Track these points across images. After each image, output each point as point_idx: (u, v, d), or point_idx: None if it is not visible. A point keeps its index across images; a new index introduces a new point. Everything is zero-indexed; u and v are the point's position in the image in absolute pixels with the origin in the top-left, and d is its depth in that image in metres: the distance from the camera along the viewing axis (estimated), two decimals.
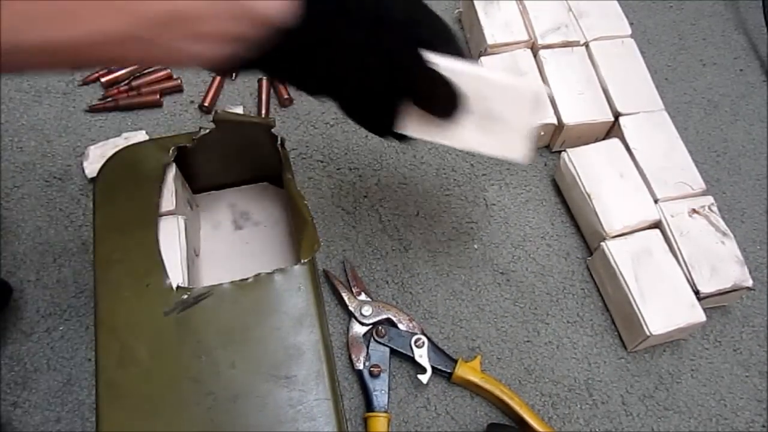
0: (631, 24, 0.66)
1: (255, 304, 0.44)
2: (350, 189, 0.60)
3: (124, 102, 0.63)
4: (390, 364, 0.51)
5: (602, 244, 0.54)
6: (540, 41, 0.63)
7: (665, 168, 0.57)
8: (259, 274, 0.46)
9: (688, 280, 0.52)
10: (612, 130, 0.61)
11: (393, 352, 0.52)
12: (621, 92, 0.61)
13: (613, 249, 0.53)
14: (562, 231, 0.59)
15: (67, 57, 0.32)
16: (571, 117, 0.59)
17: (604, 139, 0.61)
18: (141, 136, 0.61)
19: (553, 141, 0.62)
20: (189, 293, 0.43)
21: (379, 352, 0.51)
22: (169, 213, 0.48)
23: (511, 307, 0.55)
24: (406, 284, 0.56)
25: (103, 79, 0.64)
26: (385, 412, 0.49)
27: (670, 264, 0.53)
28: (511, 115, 0.43)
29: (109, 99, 0.64)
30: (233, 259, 0.55)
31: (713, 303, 0.54)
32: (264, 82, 0.64)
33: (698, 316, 0.51)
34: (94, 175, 0.57)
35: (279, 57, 0.36)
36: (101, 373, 0.41)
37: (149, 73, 0.65)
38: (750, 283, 0.53)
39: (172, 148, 0.49)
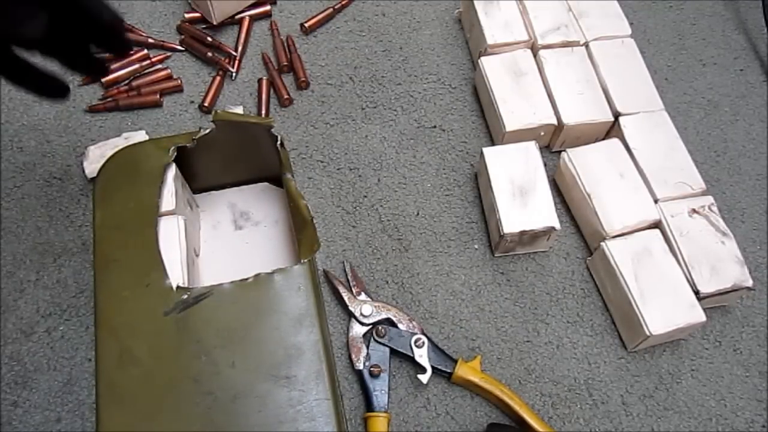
0: (631, 24, 0.66)
1: (255, 304, 0.44)
2: (350, 189, 0.60)
3: (124, 102, 0.63)
4: (390, 364, 0.51)
5: (602, 244, 0.54)
6: (540, 41, 0.63)
7: (665, 168, 0.57)
8: (259, 274, 0.46)
9: (688, 280, 0.52)
10: (612, 130, 0.61)
11: (393, 352, 0.52)
12: (621, 92, 0.61)
13: (613, 249, 0.53)
14: (562, 231, 0.59)
15: None
16: (571, 117, 0.59)
17: (604, 139, 0.61)
18: (141, 136, 0.61)
19: (553, 141, 0.62)
20: (189, 293, 0.43)
21: (379, 352, 0.51)
22: (169, 213, 0.48)
23: (511, 307, 0.55)
24: (406, 284, 0.56)
25: (103, 79, 0.64)
26: (385, 412, 0.49)
27: (670, 264, 0.53)
28: None
29: (109, 99, 0.64)
30: (233, 259, 0.55)
31: (713, 303, 0.54)
32: (264, 82, 0.65)
33: (698, 316, 0.51)
34: (94, 175, 0.57)
35: None
36: (101, 373, 0.41)
37: (149, 74, 0.65)
38: (750, 283, 0.53)
39: (172, 148, 0.49)
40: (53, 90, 0.49)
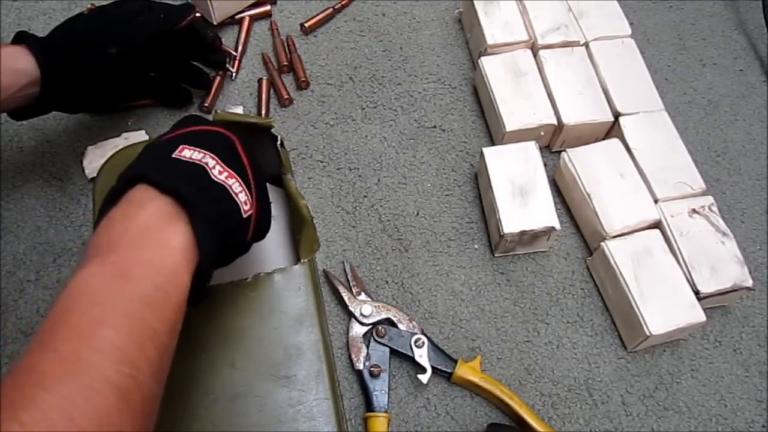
0: (631, 24, 0.66)
1: (254, 304, 0.45)
2: (350, 189, 0.60)
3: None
4: (390, 364, 0.51)
5: (602, 244, 0.54)
6: (540, 41, 0.63)
7: (665, 168, 0.57)
8: (259, 273, 0.46)
9: (688, 280, 0.52)
10: (612, 130, 0.61)
11: (393, 352, 0.52)
12: (621, 92, 0.61)
13: (613, 249, 0.53)
14: (562, 231, 0.59)
15: None
16: (571, 117, 0.59)
17: (604, 139, 0.61)
18: (141, 136, 0.61)
19: (553, 141, 0.62)
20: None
21: (379, 352, 0.51)
22: None
23: (511, 307, 0.55)
24: (406, 284, 0.56)
25: None
26: (385, 412, 0.49)
27: (670, 264, 0.53)
28: None
29: None
30: None
31: (713, 303, 0.54)
32: (264, 82, 0.64)
33: (698, 316, 0.51)
34: (94, 175, 0.57)
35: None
36: None
37: None
38: (750, 283, 0.53)
39: None
40: (183, 99, 0.63)
